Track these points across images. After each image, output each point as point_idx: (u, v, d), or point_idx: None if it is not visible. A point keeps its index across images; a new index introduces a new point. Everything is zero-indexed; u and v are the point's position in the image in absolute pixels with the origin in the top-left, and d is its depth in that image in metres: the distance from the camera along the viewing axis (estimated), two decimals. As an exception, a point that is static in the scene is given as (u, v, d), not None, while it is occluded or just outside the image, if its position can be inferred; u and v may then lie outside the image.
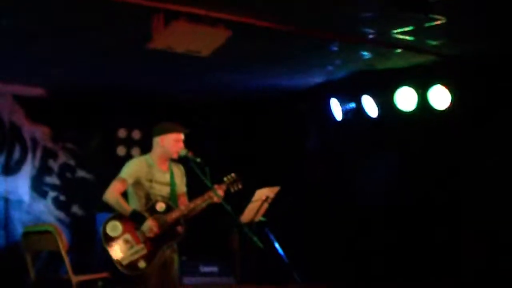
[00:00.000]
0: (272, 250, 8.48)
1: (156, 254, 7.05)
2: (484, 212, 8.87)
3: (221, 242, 9.98)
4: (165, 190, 7.30)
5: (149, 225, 6.99)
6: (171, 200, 7.26)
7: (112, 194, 7.06)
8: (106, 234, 6.98)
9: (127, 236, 7.01)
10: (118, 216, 7.07)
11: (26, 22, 7.41)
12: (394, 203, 9.75)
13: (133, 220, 7.01)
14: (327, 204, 10.55)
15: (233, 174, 7.38)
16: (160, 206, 7.15)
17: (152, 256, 7.03)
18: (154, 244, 7.05)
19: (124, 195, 7.24)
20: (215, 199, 7.14)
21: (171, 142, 7.27)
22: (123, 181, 7.14)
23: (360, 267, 9.93)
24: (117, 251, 6.95)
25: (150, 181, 7.23)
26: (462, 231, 9.08)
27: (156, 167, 7.30)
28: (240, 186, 7.37)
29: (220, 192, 7.19)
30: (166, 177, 7.34)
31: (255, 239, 6.75)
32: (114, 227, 7.02)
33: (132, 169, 7.23)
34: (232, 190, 7.33)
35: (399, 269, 9.39)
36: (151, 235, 7.00)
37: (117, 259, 6.93)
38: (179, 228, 7.18)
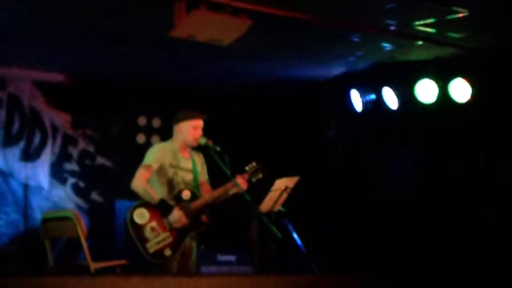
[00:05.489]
0: (291, 240, 8.48)
1: (181, 242, 7.05)
2: (503, 206, 8.85)
3: (239, 231, 10.02)
4: (188, 177, 7.30)
5: (177, 216, 6.97)
6: (194, 187, 7.27)
7: (139, 182, 7.03)
8: (133, 221, 6.95)
9: (154, 224, 6.99)
10: (145, 203, 7.05)
11: (47, 8, 7.42)
12: (411, 195, 9.74)
13: (160, 209, 7.01)
14: (345, 194, 10.55)
15: (254, 163, 7.35)
16: (186, 194, 7.15)
17: (177, 244, 7.03)
18: (179, 232, 7.05)
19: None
20: (237, 189, 7.15)
21: (189, 129, 7.28)
22: (148, 167, 7.11)
23: (377, 259, 9.92)
24: (143, 239, 6.95)
25: (175, 167, 7.24)
26: (479, 225, 9.04)
27: (180, 154, 7.31)
28: (261, 175, 7.35)
29: (242, 181, 7.17)
30: (189, 164, 7.35)
31: (274, 228, 6.75)
32: (141, 215, 6.99)
33: (157, 154, 7.22)
34: (253, 179, 7.31)
35: (417, 261, 9.38)
36: (179, 225, 7.00)
37: (143, 247, 6.91)
38: (204, 217, 7.19)
